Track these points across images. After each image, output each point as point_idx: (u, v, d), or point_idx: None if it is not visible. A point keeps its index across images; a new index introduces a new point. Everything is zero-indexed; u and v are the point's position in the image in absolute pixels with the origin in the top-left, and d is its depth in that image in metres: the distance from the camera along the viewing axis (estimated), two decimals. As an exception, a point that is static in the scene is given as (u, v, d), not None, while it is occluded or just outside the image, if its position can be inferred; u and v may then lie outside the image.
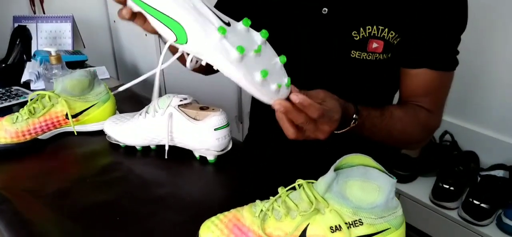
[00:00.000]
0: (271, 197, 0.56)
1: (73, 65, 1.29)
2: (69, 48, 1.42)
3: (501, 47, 1.40)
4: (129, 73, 1.66)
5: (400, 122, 0.74)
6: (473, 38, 1.47)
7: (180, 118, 0.76)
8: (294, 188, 0.55)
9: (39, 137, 0.84)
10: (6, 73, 1.22)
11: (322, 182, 0.52)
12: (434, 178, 1.38)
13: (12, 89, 1.13)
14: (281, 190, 0.56)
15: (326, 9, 0.78)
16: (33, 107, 0.83)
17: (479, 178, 1.24)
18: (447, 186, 1.28)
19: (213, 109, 0.77)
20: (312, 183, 0.54)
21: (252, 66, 0.54)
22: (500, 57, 1.40)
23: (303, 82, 0.64)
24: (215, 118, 0.75)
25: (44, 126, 0.84)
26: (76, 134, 0.87)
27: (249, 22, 0.51)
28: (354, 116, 0.67)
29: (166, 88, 1.53)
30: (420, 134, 0.78)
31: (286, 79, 0.55)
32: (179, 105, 0.77)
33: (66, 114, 0.85)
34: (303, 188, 0.53)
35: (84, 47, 1.51)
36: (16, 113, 0.83)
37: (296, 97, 0.55)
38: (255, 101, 1.03)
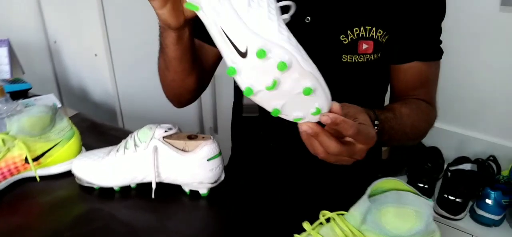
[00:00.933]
0: (295, 235, 0.51)
1: (15, 96, 1.14)
2: (8, 76, 1.25)
3: (456, 45, 1.46)
4: (77, 98, 1.51)
5: (409, 118, 0.72)
6: (455, 32, 1.50)
7: (166, 151, 0.68)
8: (320, 222, 0.50)
9: (-8, 189, 0.71)
10: None
11: (356, 213, 0.48)
12: (405, 177, 1.41)
13: None
14: (307, 226, 0.51)
15: (309, 18, 0.75)
16: (-16, 154, 0.70)
17: (449, 174, 1.28)
18: (421, 184, 1.31)
19: (203, 138, 0.70)
20: (342, 214, 0.50)
21: (265, 101, 0.50)
22: (455, 53, 1.46)
23: None
24: (207, 148, 0.68)
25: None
26: (39, 180, 0.75)
27: (264, 54, 0.45)
28: (375, 122, 0.63)
29: (122, 109, 1.41)
30: (426, 126, 0.78)
31: (313, 109, 0.49)
32: (164, 137, 0.69)
33: (26, 158, 0.73)
34: (335, 221, 0.49)
35: (23, 73, 1.34)
36: (-38, 164, 0.69)
37: (326, 117, 0.49)
38: (236, 117, 0.97)
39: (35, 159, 0.74)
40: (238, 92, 0.94)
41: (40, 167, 0.75)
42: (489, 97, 1.43)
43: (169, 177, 0.70)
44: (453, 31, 1.50)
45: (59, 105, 1.12)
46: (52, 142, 0.75)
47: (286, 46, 0.46)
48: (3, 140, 0.71)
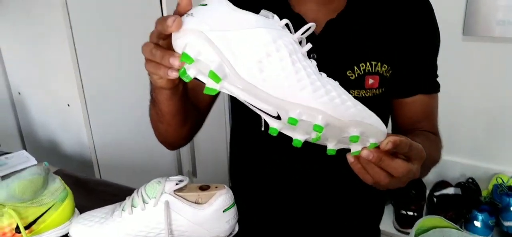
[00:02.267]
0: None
1: (-18, 157, 1.03)
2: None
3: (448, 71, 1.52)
4: (46, 151, 1.41)
5: (426, 149, 0.72)
6: None
7: (179, 205, 0.64)
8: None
9: (-22, 266, 0.63)
10: None
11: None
12: (390, 206, 1.43)
13: None
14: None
15: (315, 55, 0.75)
16: (-30, 228, 0.62)
17: (435, 199, 1.31)
18: (411, 213, 1.33)
19: (216, 187, 0.66)
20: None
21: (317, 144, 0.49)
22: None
23: None
24: (223, 198, 0.65)
25: (-14, 250, 0.63)
26: (30, 250, 0.67)
27: (296, 121, 0.43)
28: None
29: (98, 160, 1.33)
30: (438, 155, 0.79)
31: (367, 144, 0.47)
32: (175, 190, 0.64)
33: (17, 227, 0.65)
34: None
35: (-14, 130, 1.24)
36: None
37: (389, 143, 0.47)
38: (238, 155, 0.93)
39: (27, 227, 0.67)
40: (237, 115, 0.91)
41: (33, 235, 0.68)
42: (461, 121, 1.51)
43: (183, 234, 0.65)
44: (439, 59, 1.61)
45: (33, 162, 1.03)
46: (45, 206, 0.69)
47: (315, 105, 0.43)
48: (-10, 209, 0.64)
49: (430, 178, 1.50)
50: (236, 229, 0.69)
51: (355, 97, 0.74)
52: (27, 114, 1.44)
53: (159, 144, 0.86)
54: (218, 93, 0.48)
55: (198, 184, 0.67)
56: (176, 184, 0.65)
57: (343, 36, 0.75)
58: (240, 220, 0.69)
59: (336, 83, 0.47)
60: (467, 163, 1.48)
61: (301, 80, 0.44)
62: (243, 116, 0.86)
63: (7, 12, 1.32)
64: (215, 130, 1.78)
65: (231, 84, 0.45)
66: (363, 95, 0.75)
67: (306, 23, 0.76)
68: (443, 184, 1.39)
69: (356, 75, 0.74)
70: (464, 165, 1.48)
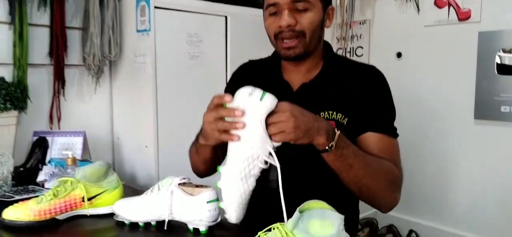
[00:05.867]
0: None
1: (82, 170, 1.48)
2: (78, 157, 1.62)
3: (454, 154, 1.64)
4: (127, 180, 1.84)
5: (373, 160, 0.92)
6: (436, 140, 1.76)
7: (179, 194, 0.94)
8: (270, 230, 0.72)
9: (57, 217, 0.99)
10: (24, 175, 1.40)
11: (291, 221, 0.69)
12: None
13: (29, 187, 1.29)
14: (260, 233, 0.72)
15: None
16: (57, 190, 1.00)
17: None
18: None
19: (206, 187, 0.95)
20: (282, 225, 0.71)
21: None
22: (460, 160, 1.63)
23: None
24: (207, 194, 0.93)
25: (63, 207, 1.00)
26: (88, 215, 1.03)
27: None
28: (335, 130, 0.85)
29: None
30: (392, 175, 0.95)
31: None
32: (179, 184, 0.95)
33: (83, 198, 1.02)
34: (278, 228, 0.70)
35: (90, 158, 1.71)
36: (41, 195, 1.00)
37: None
38: None
39: (89, 199, 1.03)
40: None
41: (91, 207, 1.03)
42: (482, 198, 1.56)
43: (179, 215, 0.94)
44: (434, 140, 1.75)
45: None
46: (103, 188, 1.05)
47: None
48: (70, 182, 1.02)
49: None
50: (219, 219, 0.95)
51: None
52: (120, 153, 1.91)
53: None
54: None
55: (196, 184, 0.97)
56: (181, 180, 0.96)
57: (311, 93, 1.02)
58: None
59: None
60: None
61: None
62: None
63: (119, 79, 1.87)
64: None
65: None
66: None
67: (290, 86, 1.04)
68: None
69: None
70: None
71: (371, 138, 0.99)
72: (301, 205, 0.71)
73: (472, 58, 1.93)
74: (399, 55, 2.12)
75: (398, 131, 1.02)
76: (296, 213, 0.69)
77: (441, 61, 2.00)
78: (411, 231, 1.63)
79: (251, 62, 1.22)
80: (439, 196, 1.65)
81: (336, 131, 0.86)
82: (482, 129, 1.53)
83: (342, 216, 0.68)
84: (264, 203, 0.94)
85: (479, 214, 1.54)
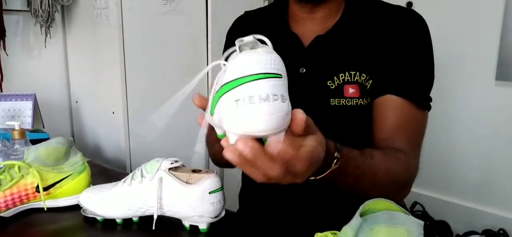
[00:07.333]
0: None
1: (33, 143, 1.19)
2: (29, 127, 1.33)
3: (468, 118, 1.49)
4: (90, 153, 1.57)
5: (383, 162, 0.69)
6: (443, 108, 1.58)
7: (171, 182, 0.71)
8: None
9: (2, 214, 0.74)
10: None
11: (349, 230, 0.49)
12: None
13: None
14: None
15: (304, 69, 0.82)
16: (0, 179, 0.73)
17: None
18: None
19: (206, 172, 0.73)
20: (335, 234, 0.51)
21: None
22: (457, 125, 1.50)
23: None
24: (210, 181, 0.71)
25: (10, 201, 0.74)
26: (46, 209, 0.78)
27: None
28: (336, 154, 0.58)
29: (132, 165, 1.45)
30: (405, 175, 0.73)
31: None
32: (169, 169, 0.72)
33: (37, 187, 0.76)
34: (329, 239, 0.50)
35: (43, 127, 1.42)
36: (-23, 186, 0.73)
37: (273, 147, 0.43)
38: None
39: (45, 188, 0.77)
40: None
41: (49, 198, 0.78)
42: (495, 169, 1.44)
43: (171, 210, 0.72)
44: (444, 104, 1.56)
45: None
46: (63, 173, 0.79)
47: None
48: (18, 167, 0.75)
49: (460, 227, 1.43)
50: (222, 214, 0.74)
51: (335, 106, 0.79)
52: (80, 120, 1.62)
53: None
54: None
55: (191, 168, 0.74)
56: (171, 163, 0.72)
57: (327, 49, 0.80)
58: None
59: None
60: (500, 215, 1.39)
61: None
62: None
63: (75, 29, 1.55)
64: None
65: None
66: (344, 103, 0.78)
67: (300, 41, 0.82)
68: (471, 233, 1.31)
69: (336, 85, 0.79)
70: (498, 216, 1.39)
71: (390, 103, 0.76)
72: (363, 206, 0.51)
73: (499, 4, 1.55)
74: (409, 4, 1.84)
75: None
76: (356, 218, 0.49)
77: (458, 10, 1.67)
78: (415, 203, 1.50)
79: (247, 14, 0.99)
80: (447, 166, 1.52)
81: (336, 155, 0.59)
82: (504, 92, 1.39)
83: (422, 223, 0.49)
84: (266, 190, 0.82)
85: (491, 186, 1.42)
